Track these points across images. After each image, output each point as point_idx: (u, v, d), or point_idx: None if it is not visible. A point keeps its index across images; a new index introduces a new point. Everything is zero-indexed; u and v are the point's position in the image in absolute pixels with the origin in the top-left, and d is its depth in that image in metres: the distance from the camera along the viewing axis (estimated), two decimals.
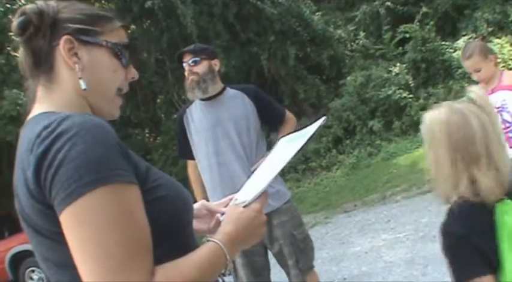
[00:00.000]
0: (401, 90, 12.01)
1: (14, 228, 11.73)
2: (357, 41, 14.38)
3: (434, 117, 1.80)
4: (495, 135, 1.75)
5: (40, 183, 1.10)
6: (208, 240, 1.28)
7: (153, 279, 1.09)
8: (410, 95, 11.97)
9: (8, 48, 12.49)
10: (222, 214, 1.56)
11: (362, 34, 14.22)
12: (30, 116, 1.28)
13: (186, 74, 3.56)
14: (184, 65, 3.57)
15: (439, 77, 12.34)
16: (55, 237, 1.13)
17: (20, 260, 11.03)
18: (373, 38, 14.34)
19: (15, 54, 12.43)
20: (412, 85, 12.27)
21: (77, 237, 1.07)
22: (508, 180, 1.74)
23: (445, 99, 11.40)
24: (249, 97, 3.61)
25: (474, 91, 1.80)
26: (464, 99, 1.81)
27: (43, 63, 1.29)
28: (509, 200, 1.73)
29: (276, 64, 13.66)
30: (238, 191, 3.44)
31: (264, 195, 1.42)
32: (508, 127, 3.79)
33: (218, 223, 1.55)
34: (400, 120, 11.89)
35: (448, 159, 1.75)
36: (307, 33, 13.63)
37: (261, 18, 13.30)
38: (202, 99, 3.60)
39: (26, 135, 1.19)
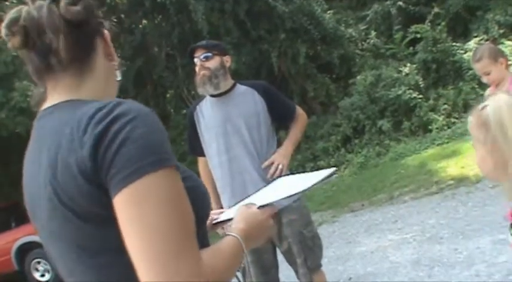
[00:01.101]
0: (411, 91, 11.95)
1: (21, 219, 11.80)
2: (367, 41, 14.34)
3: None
4: None
5: (97, 162, 1.09)
6: (227, 235, 1.32)
7: (203, 263, 1.11)
8: (420, 96, 11.91)
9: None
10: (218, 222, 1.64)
11: (373, 33, 14.17)
12: (57, 101, 1.27)
13: (197, 69, 3.55)
14: (195, 60, 3.55)
15: (449, 78, 12.27)
16: (99, 221, 1.13)
17: (26, 251, 11.09)
18: (384, 38, 14.29)
19: None
20: (422, 86, 12.21)
21: (136, 215, 1.06)
22: None
23: (454, 101, 11.44)
24: (259, 93, 3.59)
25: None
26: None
27: (84, 52, 1.29)
28: None
29: (286, 62, 13.65)
30: (247, 188, 3.46)
31: (273, 207, 1.50)
32: None
33: (210, 225, 1.62)
34: (410, 121, 11.84)
35: None
36: (318, 31, 13.59)
37: (272, 16, 13.29)
38: (213, 96, 3.59)
39: (64, 120, 1.19)
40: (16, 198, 14.00)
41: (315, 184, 1.54)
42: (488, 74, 3.91)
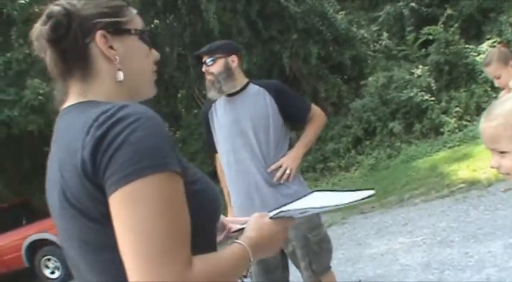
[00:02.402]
0: (423, 93, 11.88)
1: (32, 216, 11.88)
2: (379, 42, 14.28)
3: None
4: None
5: (96, 164, 1.14)
6: (234, 242, 1.33)
7: (192, 268, 1.12)
8: (432, 98, 11.84)
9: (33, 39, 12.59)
10: (234, 231, 1.64)
11: (385, 35, 14.11)
12: (68, 104, 1.33)
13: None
14: (203, 65, 3.60)
15: (462, 80, 12.18)
16: (101, 219, 1.17)
17: (36, 248, 11.15)
18: (396, 39, 14.23)
19: None
20: (434, 88, 12.14)
21: (127, 216, 1.11)
22: None
23: (467, 103, 11.37)
24: (270, 93, 3.56)
25: None
26: None
27: (78, 61, 1.33)
28: None
29: (298, 63, 13.62)
30: (251, 191, 3.44)
31: (291, 219, 1.50)
32: None
33: (227, 236, 1.65)
34: (421, 123, 11.77)
35: None
36: (330, 32, 13.54)
37: (284, 16, 13.26)
38: (227, 95, 3.61)
39: (73, 121, 1.25)
40: (27, 195, 14.15)
41: (350, 203, 1.48)
42: (498, 77, 3.88)
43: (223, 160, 3.67)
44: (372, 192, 1.48)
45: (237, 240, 1.34)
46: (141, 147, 1.12)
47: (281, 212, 1.43)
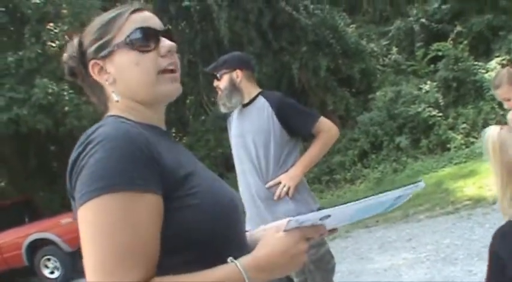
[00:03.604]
0: (430, 108, 11.89)
1: (34, 214, 11.87)
2: (389, 56, 14.30)
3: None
4: None
5: (71, 184, 1.22)
6: (231, 262, 1.22)
7: None
8: (440, 114, 11.84)
9: (45, 39, 12.65)
10: None
11: (394, 49, 14.15)
12: None
13: None
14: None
15: (470, 97, 12.18)
16: None
17: (37, 247, 11.13)
18: (406, 54, 14.24)
19: (52, 44, 12.62)
20: (441, 104, 12.14)
21: (81, 235, 1.16)
22: None
23: (474, 120, 11.36)
24: (272, 107, 3.52)
25: None
26: None
27: (95, 91, 1.41)
28: None
29: (307, 74, 13.63)
30: (250, 203, 3.40)
31: (315, 228, 1.31)
32: None
33: None
34: (428, 139, 11.77)
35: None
36: (340, 45, 13.58)
37: (295, 28, 13.30)
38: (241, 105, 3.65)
39: None
40: (30, 193, 14.14)
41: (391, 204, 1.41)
42: (508, 99, 3.87)
43: (236, 168, 3.72)
44: (421, 184, 1.37)
45: (234, 260, 1.21)
46: (96, 170, 1.14)
47: (294, 221, 1.25)
